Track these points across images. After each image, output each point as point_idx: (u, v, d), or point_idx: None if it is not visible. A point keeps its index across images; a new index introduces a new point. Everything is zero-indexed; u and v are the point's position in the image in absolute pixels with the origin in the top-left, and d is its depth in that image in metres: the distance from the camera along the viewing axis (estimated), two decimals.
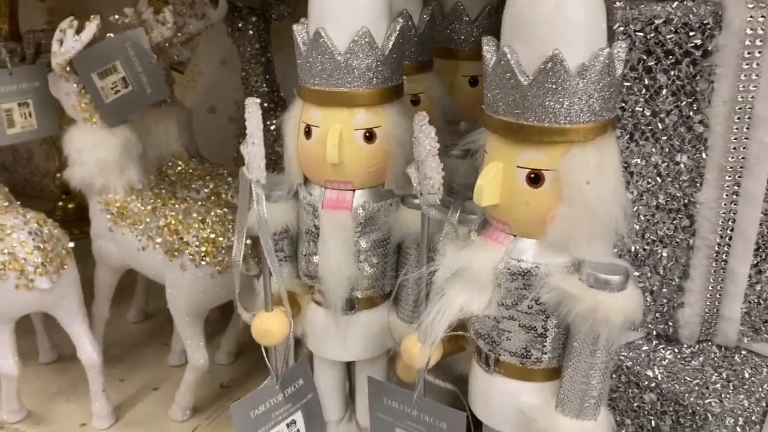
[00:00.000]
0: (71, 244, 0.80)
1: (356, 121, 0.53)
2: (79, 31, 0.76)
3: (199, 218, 0.77)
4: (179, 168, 0.94)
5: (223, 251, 0.76)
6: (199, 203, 0.80)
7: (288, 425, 0.60)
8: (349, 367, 0.67)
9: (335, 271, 0.55)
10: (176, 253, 0.76)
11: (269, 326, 0.56)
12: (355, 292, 0.58)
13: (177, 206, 0.80)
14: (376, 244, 0.57)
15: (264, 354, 0.59)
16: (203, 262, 0.76)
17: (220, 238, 0.76)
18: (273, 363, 0.58)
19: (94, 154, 0.81)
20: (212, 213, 0.78)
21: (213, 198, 0.88)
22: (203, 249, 0.76)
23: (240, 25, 1.07)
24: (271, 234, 0.55)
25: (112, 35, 0.81)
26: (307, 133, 0.54)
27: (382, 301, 0.60)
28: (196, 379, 0.84)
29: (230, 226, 0.77)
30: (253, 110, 0.50)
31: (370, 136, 0.53)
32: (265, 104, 1.09)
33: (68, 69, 0.78)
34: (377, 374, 0.62)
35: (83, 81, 0.79)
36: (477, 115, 0.74)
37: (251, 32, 1.07)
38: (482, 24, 0.72)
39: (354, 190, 0.55)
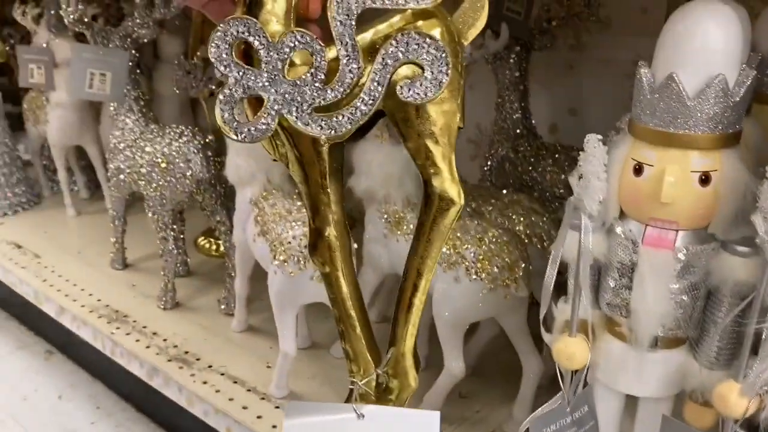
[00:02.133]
0: (355, 246, 0.89)
1: (693, 163, 0.54)
2: None
3: (477, 236, 0.82)
4: None
5: (497, 270, 0.80)
6: (476, 222, 0.85)
7: None
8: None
9: (650, 308, 0.56)
10: (452, 266, 0.82)
11: (573, 351, 0.59)
12: (660, 331, 0.58)
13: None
14: (691, 286, 0.57)
15: (559, 376, 0.61)
16: (477, 277, 0.80)
17: (496, 258, 0.80)
18: (567, 386, 0.61)
19: (381, 168, 0.90)
20: (489, 233, 0.82)
21: (477, 216, 0.93)
22: (479, 265, 0.80)
23: (503, 53, 1.12)
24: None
25: None
26: (637, 170, 0.56)
27: (682, 342, 0.60)
28: (448, 385, 0.89)
29: (505, 248, 0.81)
30: (597, 146, 0.52)
31: (705, 179, 0.54)
32: (518, 130, 1.13)
33: None
34: (663, 412, 0.62)
35: None
36: None
37: (512, 60, 1.12)
38: None
39: (677, 231, 0.56)
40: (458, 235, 0.83)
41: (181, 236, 1.27)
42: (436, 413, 0.56)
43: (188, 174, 1.09)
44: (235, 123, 0.45)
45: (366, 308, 0.61)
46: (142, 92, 1.22)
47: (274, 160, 0.56)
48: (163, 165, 1.10)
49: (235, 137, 0.48)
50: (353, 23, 0.45)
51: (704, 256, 0.56)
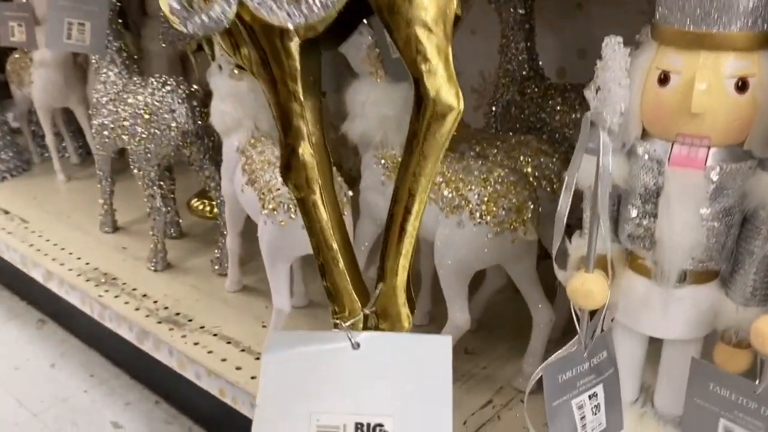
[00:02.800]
0: (350, 193, 0.83)
1: (728, 67, 0.47)
2: None
3: (482, 176, 0.75)
4: None
5: (503, 213, 0.74)
6: (480, 162, 0.78)
7: (590, 397, 0.56)
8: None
9: (677, 237, 0.49)
10: (455, 210, 0.75)
11: (590, 288, 0.52)
12: (688, 264, 0.52)
13: (456, 164, 0.79)
14: (724, 211, 0.50)
15: (574, 318, 0.55)
16: (481, 221, 0.74)
17: (502, 199, 0.74)
18: (584, 329, 0.55)
19: (377, 108, 0.83)
20: (495, 173, 0.75)
21: (481, 158, 0.87)
22: (484, 207, 0.74)
23: None
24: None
25: None
26: (663, 80, 0.49)
27: (713, 276, 0.54)
28: (453, 338, 0.82)
29: (512, 188, 0.75)
30: (617, 49, 0.45)
31: (742, 86, 0.47)
32: (524, 72, 1.06)
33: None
34: (690, 357, 0.56)
35: (377, 35, 0.81)
36: None
37: None
38: None
39: (709, 147, 0.49)
40: (461, 176, 0.76)
41: (171, 195, 1.21)
42: (447, 337, 0.48)
43: (173, 125, 1.03)
44: (185, 12, 0.39)
45: (351, 240, 0.54)
46: (125, 43, 1.15)
47: (239, 66, 0.49)
48: (146, 116, 1.03)
49: (184, 29, 0.41)
50: None
51: (740, 176, 0.49)
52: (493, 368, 0.90)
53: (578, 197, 0.56)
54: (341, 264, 0.51)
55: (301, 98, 0.45)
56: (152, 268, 1.15)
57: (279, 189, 0.78)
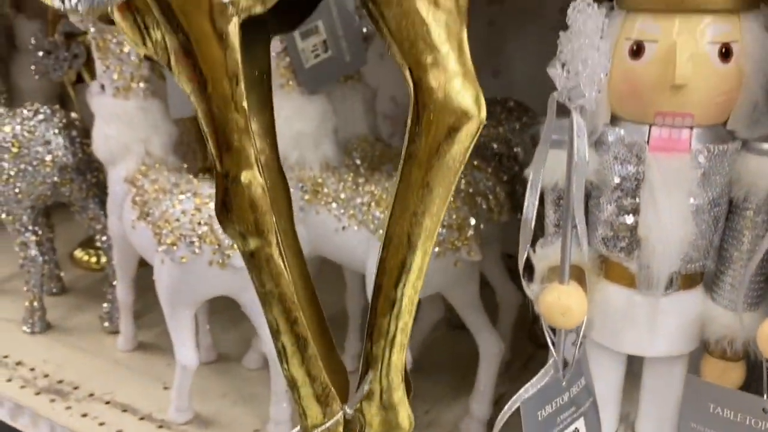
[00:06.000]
0: None
1: (709, 32, 0.41)
2: None
3: None
4: (365, 150, 0.85)
5: (443, 231, 0.65)
6: None
7: None
8: None
9: (668, 232, 0.42)
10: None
11: (568, 303, 0.44)
12: (678, 265, 0.45)
13: (385, 181, 0.70)
14: (712, 202, 0.44)
15: (548, 339, 0.46)
16: None
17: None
18: (560, 353, 0.46)
19: (290, 125, 0.73)
20: None
21: None
22: None
23: None
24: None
25: None
26: (636, 52, 0.42)
27: (699, 281, 0.47)
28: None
29: (454, 204, 0.67)
30: (589, 10, 0.38)
31: (726, 54, 0.41)
32: None
33: None
34: (676, 376, 0.49)
35: (286, 41, 0.71)
36: None
37: None
38: None
39: (692, 128, 0.43)
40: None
41: (49, 243, 1.04)
42: None
43: (48, 159, 0.88)
44: None
45: (321, 307, 0.39)
46: None
47: (146, 57, 0.35)
48: (15, 150, 0.87)
49: (61, 4, 0.30)
50: None
51: (726, 160, 0.43)
52: (436, 412, 0.80)
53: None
54: (311, 346, 0.34)
55: (244, 103, 0.30)
56: (28, 330, 0.97)
57: (178, 219, 0.66)
